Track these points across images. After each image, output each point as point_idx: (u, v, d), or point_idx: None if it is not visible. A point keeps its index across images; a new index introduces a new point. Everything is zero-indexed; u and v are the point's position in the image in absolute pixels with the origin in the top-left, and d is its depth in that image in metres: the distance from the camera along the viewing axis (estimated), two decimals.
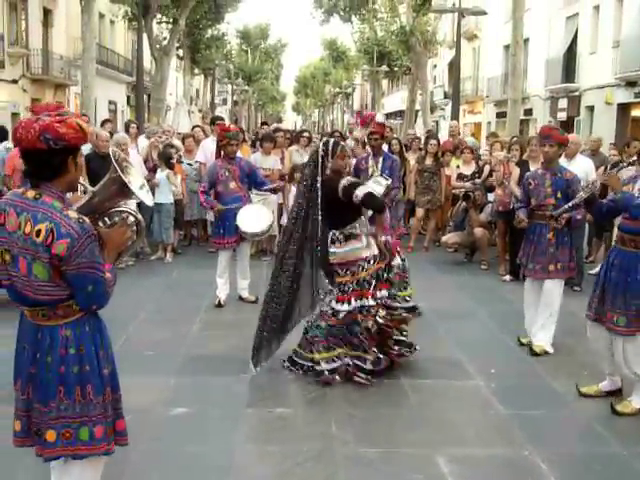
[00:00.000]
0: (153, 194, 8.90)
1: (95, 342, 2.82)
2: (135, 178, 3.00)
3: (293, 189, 9.82)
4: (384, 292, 5.19)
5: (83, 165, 3.10)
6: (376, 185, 6.56)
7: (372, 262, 5.18)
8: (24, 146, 2.62)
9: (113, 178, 2.89)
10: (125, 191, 2.93)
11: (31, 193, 2.66)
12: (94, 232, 2.70)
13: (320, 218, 5.09)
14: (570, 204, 5.55)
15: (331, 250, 5.16)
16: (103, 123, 11.10)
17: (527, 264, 5.98)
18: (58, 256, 2.59)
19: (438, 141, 11.07)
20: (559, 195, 5.79)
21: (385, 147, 9.76)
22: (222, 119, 11.55)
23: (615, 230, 5.55)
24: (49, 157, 2.63)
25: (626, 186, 4.71)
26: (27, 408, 2.85)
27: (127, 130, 10.80)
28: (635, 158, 4.94)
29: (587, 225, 8.78)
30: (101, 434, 2.82)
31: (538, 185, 5.93)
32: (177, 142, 11.14)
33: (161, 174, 9.52)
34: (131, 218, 3.11)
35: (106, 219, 3.04)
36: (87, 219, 2.68)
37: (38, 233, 2.59)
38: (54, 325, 2.75)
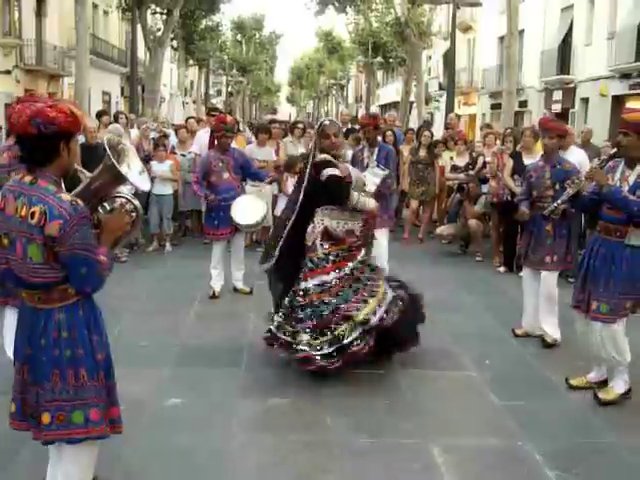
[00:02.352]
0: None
1: (89, 327, 2.85)
2: (134, 163, 3.04)
3: (290, 180, 9.80)
4: None
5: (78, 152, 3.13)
6: (372, 176, 6.56)
7: None
8: (17, 131, 2.69)
9: (108, 165, 2.92)
10: (121, 178, 2.95)
11: (28, 178, 2.73)
12: (87, 214, 2.74)
13: None
14: (559, 201, 5.52)
15: None
16: (100, 115, 10.98)
17: (526, 255, 6.03)
18: (51, 237, 2.63)
19: (431, 133, 11.06)
20: (558, 187, 5.78)
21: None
22: (218, 109, 11.54)
23: None
24: (40, 142, 2.67)
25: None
26: (22, 389, 2.89)
27: (116, 121, 10.71)
28: (615, 150, 4.93)
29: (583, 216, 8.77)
30: (97, 417, 2.85)
31: (538, 177, 5.95)
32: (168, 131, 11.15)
33: (162, 165, 9.56)
34: (129, 205, 3.14)
35: (105, 205, 3.08)
36: (81, 201, 2.71)
37: (32, 215, 2.64)
38: (49, 308, 2.79)
